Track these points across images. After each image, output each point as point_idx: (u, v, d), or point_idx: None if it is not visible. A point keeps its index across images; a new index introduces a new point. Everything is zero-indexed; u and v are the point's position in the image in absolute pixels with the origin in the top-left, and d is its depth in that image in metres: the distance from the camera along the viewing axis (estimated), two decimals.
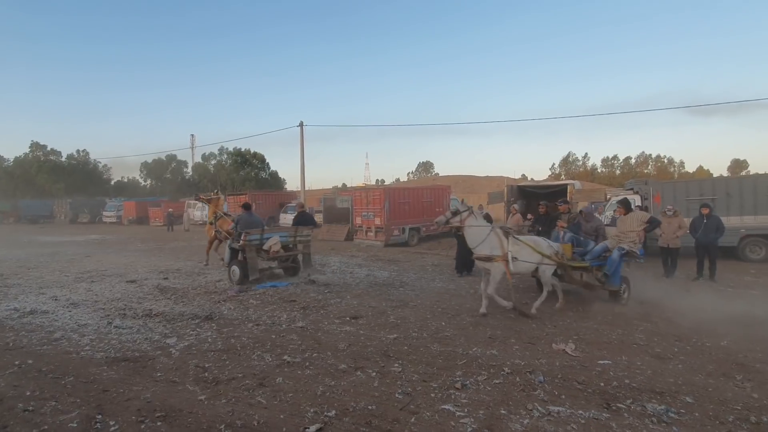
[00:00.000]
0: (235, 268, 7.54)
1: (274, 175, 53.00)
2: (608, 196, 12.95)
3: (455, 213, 5.69)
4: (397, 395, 3.22)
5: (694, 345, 4.37)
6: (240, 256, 7.64)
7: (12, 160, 47.24)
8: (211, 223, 9.67)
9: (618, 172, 72.62)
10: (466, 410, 2.97)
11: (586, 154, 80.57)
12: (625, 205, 6.26)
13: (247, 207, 8.39)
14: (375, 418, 2.85)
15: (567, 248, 6.08)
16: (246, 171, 49.72)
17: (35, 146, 48.48)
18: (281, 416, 2.86)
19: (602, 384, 3.39)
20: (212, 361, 3.87)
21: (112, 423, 2.75)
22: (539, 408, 2.98)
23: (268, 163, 52.02)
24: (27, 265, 10.07)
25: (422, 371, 3.70)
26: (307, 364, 3.84)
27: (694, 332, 4.74)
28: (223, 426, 2.71)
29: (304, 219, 9.33)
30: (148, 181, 55.45)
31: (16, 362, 3.82)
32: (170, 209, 25.51)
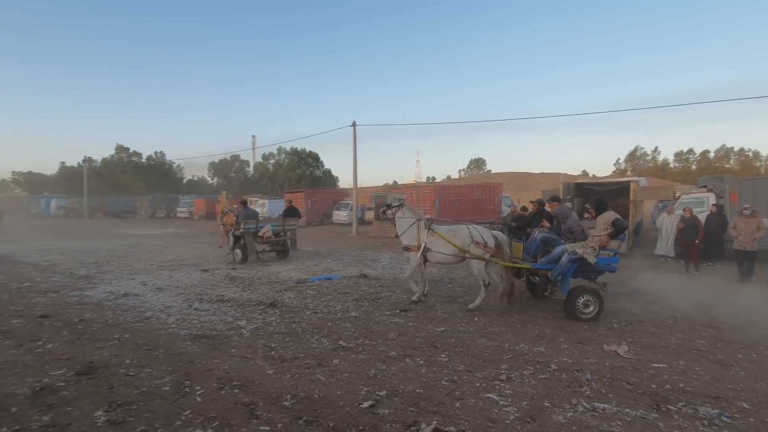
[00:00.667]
0: (238, 251, 9.73)
1: (327, 173, 54.84)
2: (677, 194, 12.01)
3: (389, 206, 6.46)
4: (443, 382, 3.43)
5: (762, 353, 4.10)
6: (241, 242, 9.69)
7: (100, 161, 53.30)
8: (220, 219, 11.96)
9: (694, 167, 65.96)
10: (509, 400, 3.11)
11: (656, 148, 74.09)
12: (596, 206, 5.39)
13: (244, 203, 10.97)
14: (422, 400, 3.09)
15: (517, 247, 6.00)
16: (301, 169, 51.94)
17: (120, 149, 54.31)
18: (338, 392, 3.20)
19: (654, 386, 3.35)
20: (277, 342, 4.33)
21: (197, 388, 3.24)
22: (584, 403, 3.04)
23: (321, 161, 53.93)
24: (116, 254, 11.52)
25: (468, 362, 3.87)
26: (360, 349, 4.16)
27: (764, 340, 4.42)
28: (288, 396, 3.10)
29: (291, 212, 11.46)
30: (215, 180, 59.80)
31: (116, 336, 4.53)
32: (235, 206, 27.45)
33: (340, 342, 4.36)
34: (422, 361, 3.86)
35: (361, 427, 2.68)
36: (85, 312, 5.35)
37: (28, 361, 3.67)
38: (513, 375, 3.56)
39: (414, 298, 6.13)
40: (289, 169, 52.16)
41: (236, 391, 3.20)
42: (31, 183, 56.01)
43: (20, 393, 3.06)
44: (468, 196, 16.57)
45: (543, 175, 46.56)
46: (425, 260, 6.08)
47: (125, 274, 8.25)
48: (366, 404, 2.98)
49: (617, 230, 5.08)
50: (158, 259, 10.51)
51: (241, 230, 9.61)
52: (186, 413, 2.83)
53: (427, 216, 6.81)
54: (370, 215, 23.13)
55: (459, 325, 5.03)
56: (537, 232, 6.09)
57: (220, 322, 5.03)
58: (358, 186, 19.55)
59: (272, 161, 56.83)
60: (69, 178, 51.13)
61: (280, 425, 2.70)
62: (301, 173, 51.53)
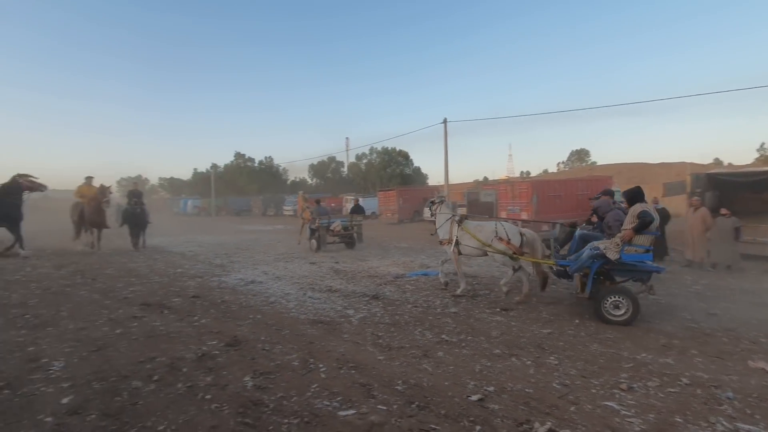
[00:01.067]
0: (314, 241, 11.76)
1: (417, 171, 55.33)
2: None
3: (433, 203, 7.26)
4: (554, 385, 3.33)
5: None
6: (316, 234, 11.73)
7: (223, 166, 61.50)
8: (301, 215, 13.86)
9: None
10: (632, 411, 2.90)
11: None
12: (628, 197, 5.15)
13: (318, 202, 12.85)
14: (533, 400, 3.05)
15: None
16: (392, 168, 53.28)
17: (237, 155, 61.95)
18: (445, 383, 3.32)
19: None
20: (383, 332, 4.62)
21: (320, 366, 3.66)
22: (724, 422, 2.70)
23: (411, 159, 54.62)
24: (241, 247, 13.27)
25: (581, 367, 3.68)
26: (463, 344, 4.23)
27: None
28: (400, 382, 3.33)
29: (357, 209, 13.91)
30: (314, 180, 64.64)
31: (250, 316, 5.28)
32: (332, 203, 29.49)
33: (443, 336, 4.48)
34: (529, 362, 3.78)
35: (471, 419, 2.77)
36: (224, 294, 6.34)
37: (189, 332, 4.52)
38: (635, 385, 3.30)
39: (458, 291, 6.41)
40: (380, 168, 53.89)
41: (353, 372, 3.53)
42: (173, 186, 67.02)
43: (188, 357, 3.81)
44: (570, 191, 15.31)
45: (663, 165, 40.32)
46: (459, 252, 6.54)
47: (249, 264, 9.50)
48: (474, 397, 3.06)
49: (641, 224, 4.77)
50: (273, 252, 11.85)
51: (316, 224, 11.66)
52: (314, 386, 3.23)
53: (466, 212, 7.58)
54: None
55: (567, 328, 4.77)
56: (578, 228, 6.04)
57: (331, 310, 5.53)
58: (449, 183, 19.40)
59: (364, 161, 59.28)
60: (200, 182, 60.06)
61: (395, 406, 2.93)
62: (391, 172, 52.88)
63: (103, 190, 10.71)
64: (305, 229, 12.46)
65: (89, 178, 11.37)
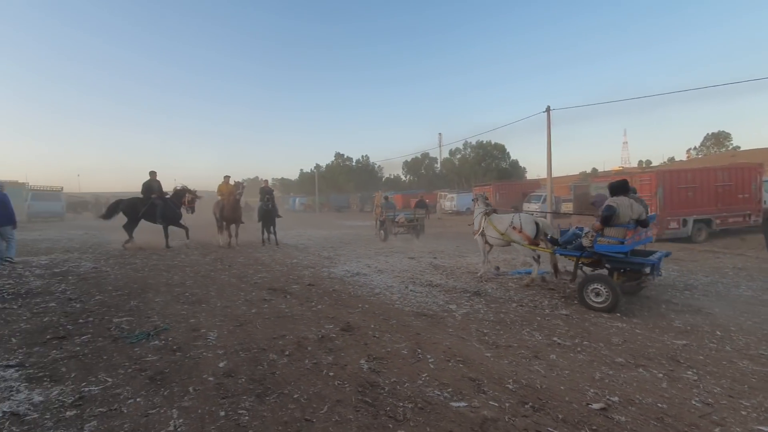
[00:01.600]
0: (382, 232, 14.15)
1: (514, 164, 52.44)
2: None
3: (473, 200, 8.63)
4: (693, 402, 2.95)
5: None
6: (384, 225, 14.12)
7: (324, 166, 66.17)
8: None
9: None
10: None
11: None
12: (611, 189, 5.52)
13: (386, 198, 15.33)
14: (667, 416, 2.76)
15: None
16: (486, 162, 51.38)
17: (337, 155, 66.10)
18: (561, 387, 3.18)
19: None
20: (488, 329, 4.58)
21: (428, 357, 3.79)
22: None
23: (508, 152, 51.98)
24: (344, 241, 14.21)
25: (727, 386, 3.20)
26: (579, 349, 3.97)
27: None
28: (510, 381, 3.29)
29: (421, 204, 17.54)
30: (408, 177, 65.70)
31: (359, 305, 5.67)
32: (427, 200, 29.70)
33: (554, 338, 4.26)
34: (661, 375, 3.40)
35: (594, 427, 2.62)
36: (334, 284, 6.91)
37: (309, 316, 5.06)
38: None
39: (479, 274, 7.44)
40: (474, 162, 52.37)
41: (461, 365, 3.59)
42: (283, 186, 74.51)
43: (310, 337, 4.29)
44: (707, 183, 12.91)
45: None
46: (486, 242, 7.44)
47: (353, 257, 10.14)
48: (596, 406, 2.88)
49: (603, 217, 5.20)
50: (374, 246, 12.45)
51: (383, 217, 14.17)
52: (424, 375, 3.38)
53: (494, 208, 7.96)
54: (567, 207, 20.99)
55: (708, 341, 4.15)
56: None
57: (434, 304, 5.65)
58: (552, 175, 18.01)
59: (458, 156, 58.21)
60: (306, 181, 65.62)
61: (507, 404, 2.91)
62: (486, 166, 51.00)
63: (237, 186, 12.05)
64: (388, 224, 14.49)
65: (227, 177, 12.39)
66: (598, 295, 5.21)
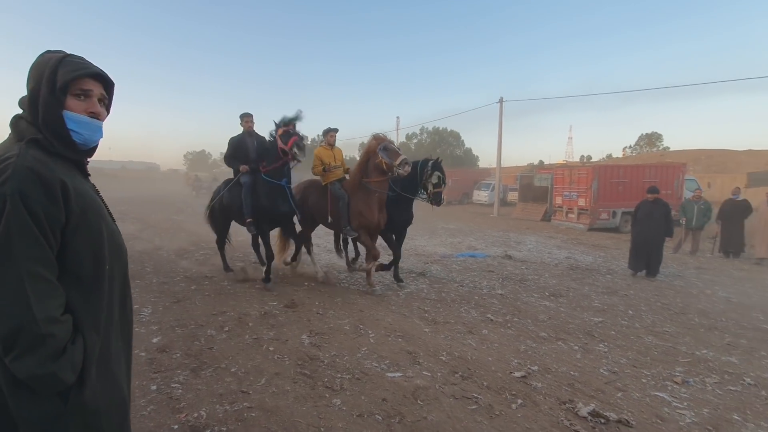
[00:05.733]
0: None
1: (468, 152, 53.94)
2: None
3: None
4: (601, 371, 3.31)
5: None
6: None
7: None
8: None
9: None
10: (685, 404, 2.84)
11: None
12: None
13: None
14: (578, 383, 3.07)
15: None
16: (442, 149, 52.33)
17: None
18: (489, 359, 3.43)
19: None
20: (429, 306, 4.78)
21: (370, 332, 3.90)
22: None
23: (463, 140, 53.30)
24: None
25: (632, 357, 3.61)
26: (509, 325, 4.28)
27: None
28: (444, 353, 3.48)
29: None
30: None
31: (305, 283, 5.65)
32: None
33: (488, 315, 4.55)
34: (577, 347, 3.77)
35: (513, 392, 2.87)
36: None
37: (252, 293, 4.98)
38: (691, 380, 3.19)
39: None
40: (430, 148, 53.13)
41: (400, 340, 3.74)
42: None
43: (253, 314, 4.23)
44: (636, 178, 14.17)
45: (750, 153, 35.73)
46: None
47: None
48: (518, 374, 3.14)
49: None
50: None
51: None
52: (363, 349, 3.48)
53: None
54: (513, 196, 22.10)
55: (621, 319, 4.64)
56: None
57: (379, 283, 5.76)
58: (502, 165, 18.83)
59: (415, 141, 58.71)
60: None
61: (439, 374, 3.10)
62: (441, 152, 52.01)
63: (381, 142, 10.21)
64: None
65: (332, 133, 5.64)
66: None
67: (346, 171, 5.61)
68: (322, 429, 2.35)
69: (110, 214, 1.24)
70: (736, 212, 9.04)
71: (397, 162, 4.80)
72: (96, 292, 1.11)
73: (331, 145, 5.59)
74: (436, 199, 5.30)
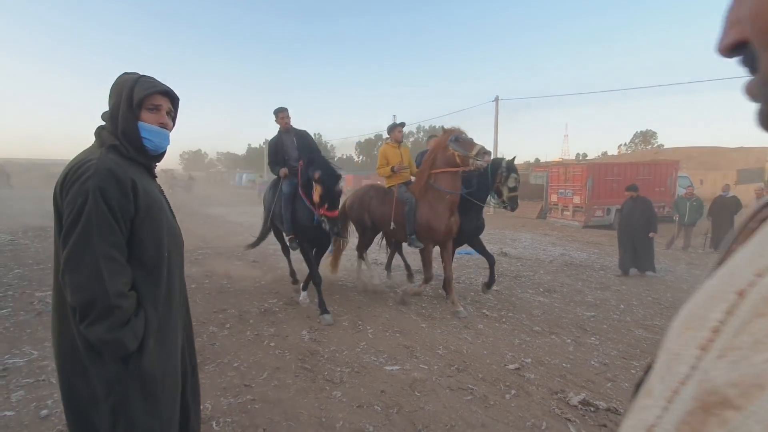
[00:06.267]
0: None
1: None
2: None
3: None
4: (592, 362, 3.43)
5: None
6: None
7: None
8: None
9: None
10: None
11: None
12: None
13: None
14: (569, 374, 3.19)
15: None
16: None
17: None
18: (484, 352, 3.54)
19: None
20: (426, 303, 4.89)
21: (368, 328, 4.00)
22: None
23: None
24: None
25: (623, 350, 3.73)
26: (504, 320, 4.39)
27: None
28: (441, 347, 3.59)
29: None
30: (360, 157, 65.38)
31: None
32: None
33: (484, 310, 4.66)
34: (569, 340, 3.88)
35: (507, 383, 2.98)
36: (279, 261, 6.87)
37: (252, 291, 5.06)
38: None
39: None
40: (425, 146, 53.20)
41: (397, 335, 3.84)
42: (229, 161, 70.96)
43: (253, 311, 4.32)
44: (630, 176, 14.33)
45: (741, 150, 36.15)
46: None
47: None
48: (512, 366, 3.25)
49: None
50: None
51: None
52: (362, 344, 3.58)
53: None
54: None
55: (612, 313, 4.76)
56: None
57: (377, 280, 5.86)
58: None
59: (411, 139, 58.79)
60: (254, 157, 62.95)
61: (435, 367, 3.20)
62: None
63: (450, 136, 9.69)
64: None
65: (399, 128, 5.53)
66: None
67: (412, 173, 5.02)
68: (323, 419, 2.45)
69: (171, 210, 1.44)
70: (726, 209, 9.21)
71: (474, 153, 4.10)
72: (156, 274, 1.28)
73: (399, 142, 5.02)
74: (512, 204, 4.73)
